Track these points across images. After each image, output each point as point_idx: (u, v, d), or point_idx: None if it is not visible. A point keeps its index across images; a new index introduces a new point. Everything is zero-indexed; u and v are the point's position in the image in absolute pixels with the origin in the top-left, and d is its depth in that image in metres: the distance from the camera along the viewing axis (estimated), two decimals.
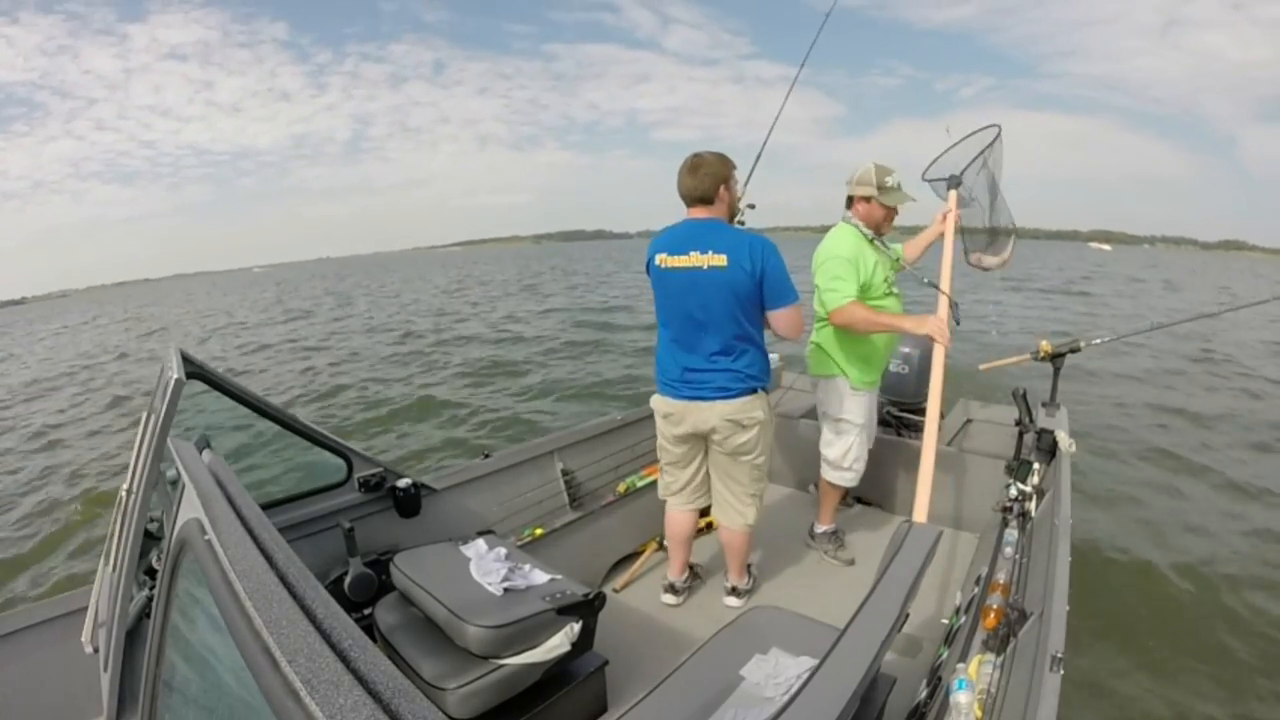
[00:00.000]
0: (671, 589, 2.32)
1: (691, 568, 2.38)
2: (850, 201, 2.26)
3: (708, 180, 1.87)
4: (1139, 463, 4.95)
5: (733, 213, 2.01)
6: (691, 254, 1.86)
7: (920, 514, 1.67)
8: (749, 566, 2.39)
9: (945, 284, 2.15)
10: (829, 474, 2.47)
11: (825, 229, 2.37)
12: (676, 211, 1.98)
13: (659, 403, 2.09)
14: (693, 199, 1.90)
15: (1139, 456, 5.07)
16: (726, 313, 1.87)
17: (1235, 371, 8.36)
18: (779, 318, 1.90)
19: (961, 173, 2.25)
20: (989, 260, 2.45)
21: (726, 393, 1.94)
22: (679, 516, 2.25)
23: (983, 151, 2.30)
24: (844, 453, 2.40)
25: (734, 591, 2.30)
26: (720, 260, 1.82)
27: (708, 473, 2.18)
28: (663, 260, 1.91)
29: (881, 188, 2.19)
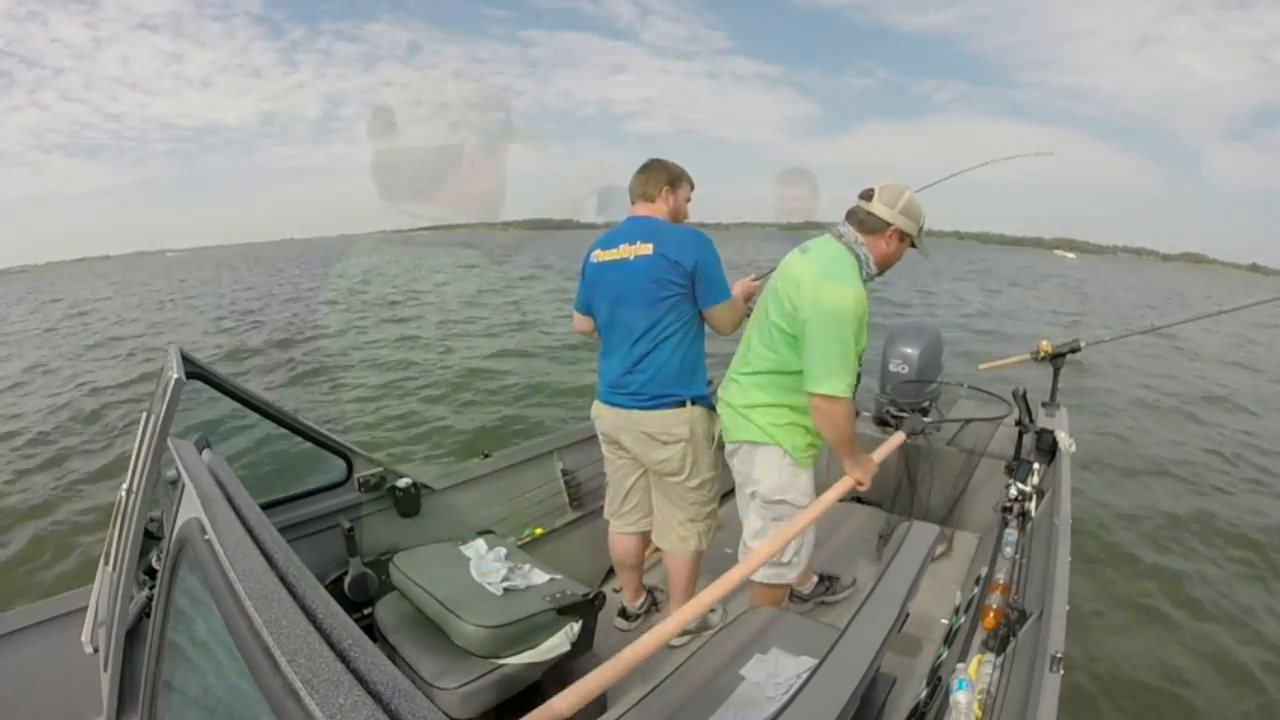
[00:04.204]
0: (624, 614, 2.17)
1: (650, 591, 2.25)
2: (865, 222, 1.64)
3: (653, 178, 1.83)
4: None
5: (675, 219, 1.88)
6: (621, 246, 1.78)
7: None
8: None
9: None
10: (760, 572, 1.76)
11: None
12: None
13: (592, 408, 1.98)
14: (636, 195, 1.86)
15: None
16: (647, 307, 1.75)
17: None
18: (713, 315, 1.81)
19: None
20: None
21: (640, 400, 1.80)
22: (618, 540, 2.11)
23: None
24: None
25: None
26: (646, 249, 1.74)
27: (648, 494, 2.01)
28: (596, 256, 1.85)
29: (922, 227, 1.67)
